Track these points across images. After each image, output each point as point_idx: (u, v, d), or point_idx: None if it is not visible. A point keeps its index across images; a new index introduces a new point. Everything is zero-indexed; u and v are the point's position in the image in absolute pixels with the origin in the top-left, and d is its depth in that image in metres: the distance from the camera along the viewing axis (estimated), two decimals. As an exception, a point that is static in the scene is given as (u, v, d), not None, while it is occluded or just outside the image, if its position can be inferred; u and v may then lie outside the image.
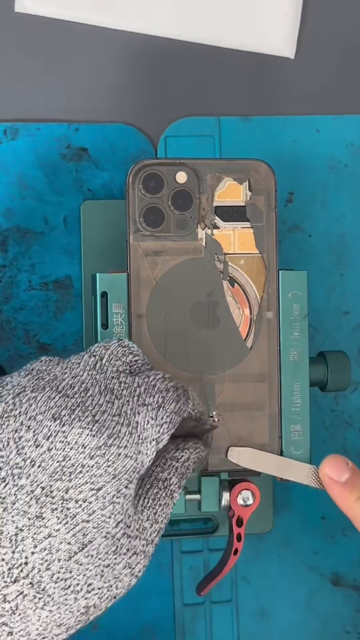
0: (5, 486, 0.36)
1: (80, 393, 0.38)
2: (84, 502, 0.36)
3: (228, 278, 0.46)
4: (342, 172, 0.59)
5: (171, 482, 0.41)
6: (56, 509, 0.36)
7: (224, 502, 0.49)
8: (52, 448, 0.36)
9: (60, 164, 0.56)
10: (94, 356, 0.41)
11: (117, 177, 0.56)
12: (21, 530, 0.36)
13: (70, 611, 0.37)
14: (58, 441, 0.36)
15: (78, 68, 0.57)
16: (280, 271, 0.47)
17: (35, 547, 0.36)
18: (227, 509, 0.49)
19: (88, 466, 0.37)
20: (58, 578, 0.36)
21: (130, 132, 0.57)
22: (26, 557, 0.36)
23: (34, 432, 0.37)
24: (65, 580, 0.36)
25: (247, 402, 0.47)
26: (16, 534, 0.36)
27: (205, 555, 0.57)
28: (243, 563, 0.57)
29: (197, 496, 0.50)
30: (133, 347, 0.41)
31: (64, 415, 0.37)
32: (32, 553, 0.36)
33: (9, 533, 0.36)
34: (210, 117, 0.58)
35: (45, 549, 0.36)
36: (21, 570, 0.36)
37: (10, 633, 0.36)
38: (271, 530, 0.57)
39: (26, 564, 0.36)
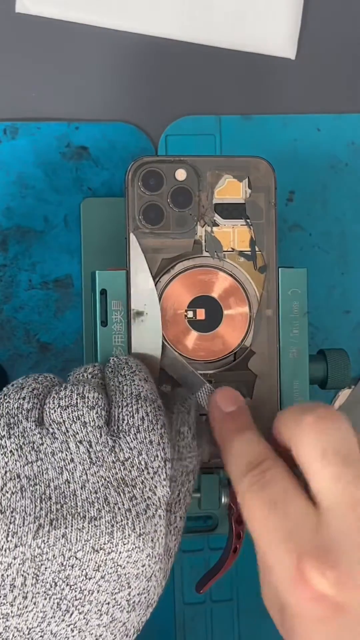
0: (71, 615, 0.37)
1: (105, 508, 0.37)
2: (143, 590, 0.38)
3: (227, 276, 0.46)
4: (343, 171, 0.59)
5: (198, 465, 0.42)
6: (124, 609, 0.38)
7: (224, 500, 0.49)
8: (105, 575, 0.37)
9: (60, 162, 0.56)
10: (81, 443, 0.38)
11: (118, 176, 0.56)
12: (100, 635, 0.38)
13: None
14: (109, 568, 0.37)
15: (78, 68, 0.57)
16: (279, 269, 0.47)
17: (115, 636, 0.38)
18: (227, 507, 0.49)
19: (143, 572, 0.38)
20: (134, 632, 0.40)
21: (131, 130, 0.57)
22: None
23: (79, 568, 0.36)
24: (139, 629, 0.41)
25: (246, 400, 0.46)
26: (97, 639, 0.38)
27: (205, 554, 0.57)
28: (243, 561, 0.56)
29: (197, 494, 0.50)
30: (87, 395, 0.39)
31: (104, 542, 0.37)
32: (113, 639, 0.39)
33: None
34: (211, 115, 0.58)
35: (121, 631, 0.39)
36: None
37: None
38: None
39: None
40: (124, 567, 0.37)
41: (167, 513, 0.40)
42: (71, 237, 0.56)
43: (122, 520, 0.37)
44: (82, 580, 0.37)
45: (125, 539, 0.37)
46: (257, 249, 0.47)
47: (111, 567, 0.37)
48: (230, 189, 0.46)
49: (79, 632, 0.37)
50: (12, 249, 0.55)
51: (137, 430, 0.39)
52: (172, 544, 0.40)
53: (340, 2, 0.60)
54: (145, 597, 0.38)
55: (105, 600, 0.37)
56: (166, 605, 0.57)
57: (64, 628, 0.37)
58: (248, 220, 0.47)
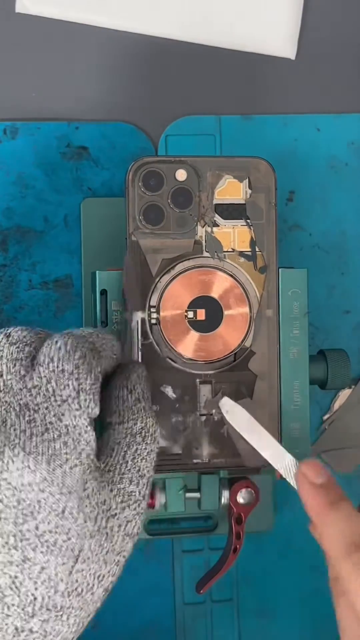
0: None
1: (1, 429, 0.36)
2: (56, 527, 0.36)
3: (228, 276, 0.46)
4: (343, 170, 0.59)
5: (148, 425, 0.41)
6: (36, 546, 0.36)
7: (223, 501, 0.49)
8: (2, 499, 0.35)
9: (60, 162, 0.56)
10: None
11: (118, 176, 0.56)
12: (16, 577, 0.36)
13: (93, 601, 0.38)
14: (5, 489, 0.35)
15: (78, 68, 0.57)
16: (280, 269, 0.47)
17: (36, 583, 0.36)
18: (226, 507, 0.49)
19: (44, 499, 0.36)
20: (69, 592, 0.37)
21: (131, 130, 0.57)
22: (33, 595, 0.36)
23: None
24: (76, 589, 0.37)
25: (246, 400, 0.47)
26: (13, 582, 0.36)
27: (205, 554, 0.57)
28: (244, 562, 0.57)
29: (197, 494, 0.50)
30: (12, 334, 0.39)
31: None
32: (36, 589, 0.36)
33: (6, 583, 0.36)
34: (211, 115, 0.58)
35: (45, 581, 0.36)
36: (34, 606, 0.36)
37: None
38: (272, 528, 0.57)
39: (35, 599, 0.36)
40: (20, 491, 0.35)
41: (96, 458, 0.39)
42: (71, 237, 0.56)
43: (14, 440, 0.36)
44: None
45: (14, 457, 0.36)
46: (257, 249, 0.47)
47: (7, 489, 0.35)
48: (231, 190, 0.46)
49: None
50: (12, 249, 0.55)
51: (51, 360, 0.38)
52: (112, 502, 0.39)
53: (340, 2, 0.60)
54: (63, 541, 0.36)
55: (10, 531, 0.35)
56: (166, 605, 0.57)
57: None
58: (248, 221, 0.47)
